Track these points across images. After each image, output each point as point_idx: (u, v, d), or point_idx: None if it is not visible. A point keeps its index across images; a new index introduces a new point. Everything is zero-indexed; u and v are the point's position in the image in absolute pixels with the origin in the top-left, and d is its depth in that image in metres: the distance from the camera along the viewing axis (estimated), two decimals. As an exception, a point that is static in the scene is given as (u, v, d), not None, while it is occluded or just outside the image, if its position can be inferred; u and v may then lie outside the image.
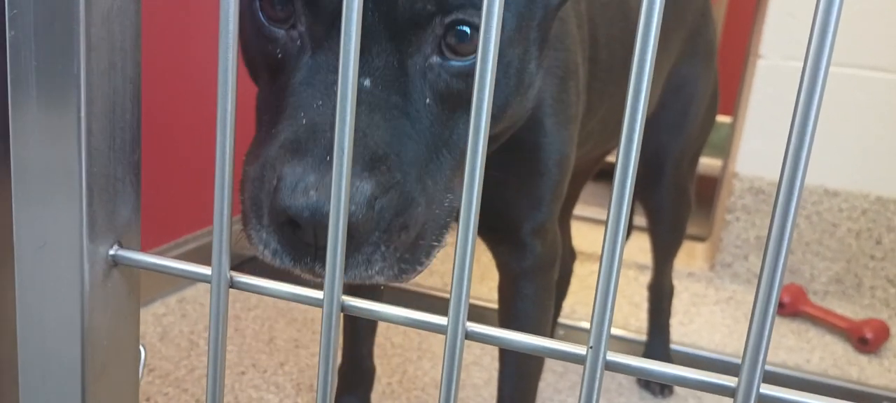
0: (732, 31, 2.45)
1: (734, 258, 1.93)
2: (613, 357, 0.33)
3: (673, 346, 1.50)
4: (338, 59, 0.49)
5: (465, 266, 0.34)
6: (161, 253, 1.68)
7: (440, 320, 0.35)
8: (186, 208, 1.61)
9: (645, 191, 1.29)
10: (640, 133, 0.30)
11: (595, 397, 0.33)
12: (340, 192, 0.33)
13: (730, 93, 1.97)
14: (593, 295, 0.32)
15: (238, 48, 0.35)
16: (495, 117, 0.59)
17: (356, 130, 0.37)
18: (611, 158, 1.25)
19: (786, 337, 1.68)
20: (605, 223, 0.32)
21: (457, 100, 0.54)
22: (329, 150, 0.46)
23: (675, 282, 1.51)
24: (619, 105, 0.30)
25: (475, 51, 0.52)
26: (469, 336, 0.34)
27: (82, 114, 0.36)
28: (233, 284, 0.38)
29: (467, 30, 0.52)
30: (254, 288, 0.38)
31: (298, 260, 0.48)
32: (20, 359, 0.41)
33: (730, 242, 1.93)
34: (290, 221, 0.46)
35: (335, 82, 0.49)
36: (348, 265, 0.48)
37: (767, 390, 0.32)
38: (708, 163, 2.21)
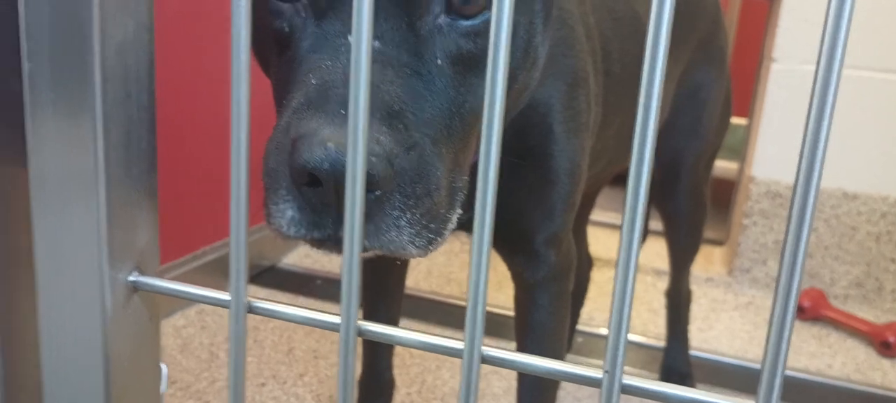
0: (746, 35, 2.43)
1: (752, 263, 1.92)
2: (629, 380, 0.33)
3: (692, 352, 1.49)
4: (344, 25, 0.50)
5: (480, 288, 0.34)
6: (177, 267, 1.69)
7: (457, 344, 0.35)
8: (201, 221, 1.62)
9: (661, 197, 1.29)
10: (652, 143, 0.30)
11: (612, 419, 0.33)
12: (357, 164, 0.34)
13: (745, 97, 1.96)
14: (609, 302, 0.32)
15: (250, 55, 0.35)
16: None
17: (370, 85, 0.35)
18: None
19: (807, 343, 1.66)
20: (619, 240, 0.32)
21: (468, 62, 0.54)
22: (343, 104, 0.45)
23: (694, 288, 1.50)
24: (635, 118, 0.30)
25: (482, 10, 0.52)
26: (485, 359, 0.34)
27: (99, 143, 0.36)
28: (251, 309, 0.38)
29: None
30: (271, 313, 0.39)
31: (318, 227, 0.46)
32: (44, 384, 0.42)
33: (748, 247, 1.92)
34: (310, 181, 0.43)
35: (343, 46, 0.49)
36: (376, 231, 0.46)
37: (786, 412, 0.31)
38: (724, 166, 2.20)
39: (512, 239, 0.82)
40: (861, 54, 1.68)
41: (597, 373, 0.33)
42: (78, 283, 0.39)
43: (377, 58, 0.49)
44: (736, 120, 1.51)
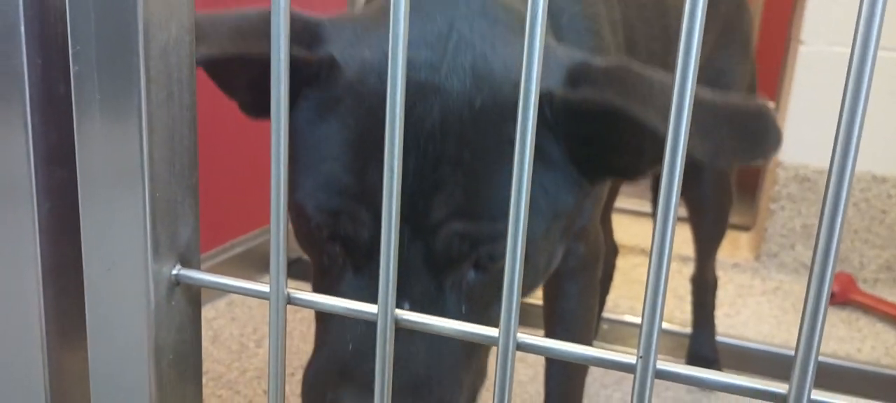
0: (772, 18, 2.41)
1: (780, 247, 1.91)
2: (663, 365, 0.33)
3: (719, 338, 1.49)
4: (377, 284, 0.53)
5: (514, 279, 0.35)
6: (209, 259, 1.72)
7: (491, 332, 0.36)
8: (229, 215, 1.64)
9: (685, 184, 1.28)
10: (686, 126, 0.31)
11: (646, 404, 0.34)
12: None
13: (771, 81, 1.94)
14: (635, 289, 0.32)
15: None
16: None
17: (397, 359, 0.40)
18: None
19: (836, 327, 1.65)
20: (650, 208, 0.32)
21: (491, 297, 0.57)
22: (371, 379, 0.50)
23: (720, 273, 1.50)
24: None
25: None
26: (520, 347, 0.35)
27: (144, 141, 0.38)
28: (290, 301, 0.39)
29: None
30: (310, 303, 0.40)
31: None
32: (91, 377, 0.43)
33: (775, 232, 1.90)
34: None
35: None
36: None
37: (819, 396, 0.32)
38: (750, 151, 2.18)
39: None
40: (891, 35, 1.66)
41: (631, 359, 0.34)
42: (124, 278, 0.41)
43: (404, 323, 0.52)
44: (762, 104, 1.49)
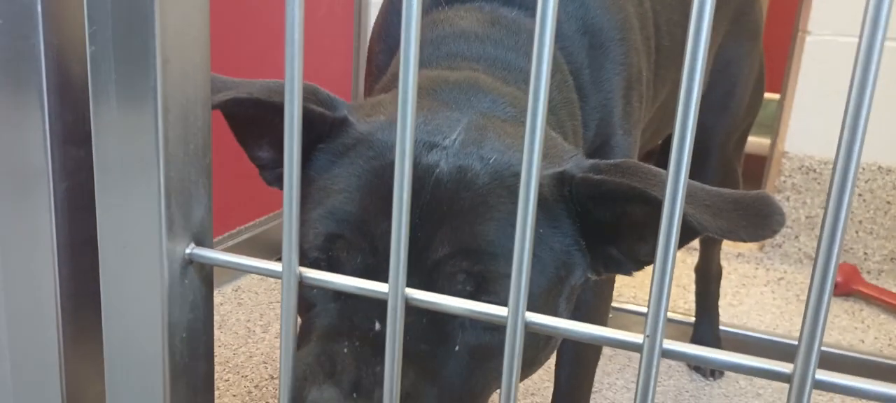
0: (779, 8, 2.40)
1: (784, 238, 1.91)
2: (670, 345, 0.34)
3: (722, 328, 1.50)
4: (367, 306, 0.54)
5: (524, 259, 0.35)
6: (219, 244, 1.72)
7: (501, 311, 0.36)
8: (239, 201, 1.65)
9: (692, 172, 1.29)
10: (695, 112, 0.31)
11: (652, 383, 0.34)
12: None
13: (777, 71, 1.94)
14: (638, 278, 0.33)
15: (302, 59, 0.36)
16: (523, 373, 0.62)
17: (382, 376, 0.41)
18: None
19: (839, 318, 1.66)
20: (660, 213, 0.33)
21: (486, 352, 0.57)
22: (354, 387, 0.51)
23: (724, 263, 1.50)
24: (678, 88, 0.31)
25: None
26: (529, 326, 0.36)
27: (159, 122, 0.38)
28: (302, 280, 0.40)
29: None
30: (322, 282, 0.40)
31: None
32: (105, 353, 0.44)
33: (779, 222, 1.90)
34: None
35: (359, 327, 0.53)
36: None
37: (823, 375, 0.33)
38: (756, 141, 2.18)
39: None
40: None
41: (638, 338, 0.34)
42: (138, 256, 0.41)
43: (414, 302, 0.53)
44: (768, 95, 1.50)
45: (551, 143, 0.61)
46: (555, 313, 0.60)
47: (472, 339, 0.56)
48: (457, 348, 0.56)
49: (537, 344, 0.60)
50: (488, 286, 0.54)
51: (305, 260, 0.57)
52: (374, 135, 0.59)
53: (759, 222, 0.49)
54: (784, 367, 0.33)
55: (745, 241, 0.51)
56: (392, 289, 0.38)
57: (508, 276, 0.54)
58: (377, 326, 0.53)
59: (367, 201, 0.56)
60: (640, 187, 0.52)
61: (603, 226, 0.58)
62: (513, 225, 0.55)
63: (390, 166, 0.56)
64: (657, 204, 0.50)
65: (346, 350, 0.52)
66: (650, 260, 0.59)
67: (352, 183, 0.57)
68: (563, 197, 0.57)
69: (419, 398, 0.53)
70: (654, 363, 0.34)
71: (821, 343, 0.32)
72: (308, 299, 0.58)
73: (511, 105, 0.65)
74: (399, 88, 0.34)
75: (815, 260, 0.31)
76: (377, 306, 0.53)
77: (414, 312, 0.54)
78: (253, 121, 0.63)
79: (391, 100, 0.65)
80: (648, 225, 0.56)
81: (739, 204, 0.51)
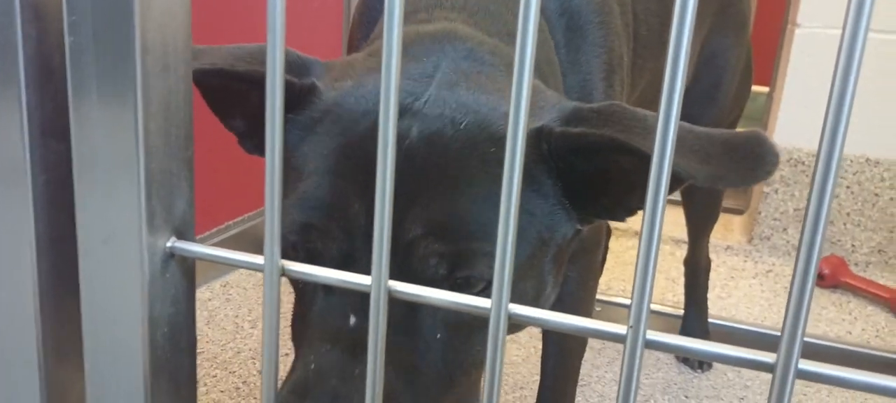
0: (768, 4, 2.41)
1: (773, 230, 1.92)
2: (653, 335, 0.34)
3: (711, 320, 1.50)
4: (347, 301, 0.53)
5: (507, 249, 0.35)
6: (203, 240, 1.73)
7: (484, 302, 0.36)
8: (226, 196, 1.64)
9: None
10: (678, 109, 0.31)
11: (635, 374, 0.34)
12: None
13: (767, 64, 1.94)
14: (627, 271, 0.33)
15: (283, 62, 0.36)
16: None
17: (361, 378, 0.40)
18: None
19: (826, 309, 1.66)
20: (643, 201, 0.33)
21: (468, 328, 0.56)
22: (334, 398, 0.51)
23: (713, 256, 1.51)
24: (657, 78, 0.31)
25: (486, 286, 0.54)
26: (512, 317, 0.36)
27: (140, 113, 0.38)
28: (284, 272, 0.39)
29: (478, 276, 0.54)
30: (304, 275, 0.40)
31: None
32: (86, 348, 0.43)
33: (768, 215, 1.91)
34: None
35: (343, 327, 0.53)
36: None
37: (806, 365, 0.32)
38: (744, 134, 2.18)
39: None
40: (887, 18, 1.66)
41: (621, 329, 0.34)
42: (118, 250, 0.41)
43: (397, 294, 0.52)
44: (757, 88, 1.50)
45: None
46: (540, 277, 0.59)
47: (452, 319, 0.55)
48: (438, 335, 0.55)
49: (523, 297, 0.58)
50: (463, 265, 0.52)
51: (286, 246, 0.56)
52: (341, 104, 0.57)
53: (752, 164, 0.46)
54: (767, 357, 0.33)
55: (737, 186, 0.48)
56: (375, 283, 0.37)
57: (485, 254, 0.54)
58: (353, 321, 0.53)
59: (338, 183, 0.54)
60: (622, 139, 0.50)
61: (588, 178, 0.56)
62: (488, 199, 0.54)
63: (359, 139, 0.55)
64: (642, 156, 0.48)
65: (324, 357, 0.52)
66: (642, 206, 0.57)
67: (321, 165, 0.55)
68: (542, 156, 0.55)
69: (398, 395, 0.53)
70: (638, 354, 0.34)
71: (804, 332, 0.32)
72: (296, 287, 0.58)
73: (490, 53, 0.62)
74: (382, 80, 0.34)
75: (799, 246, 0.31)
76: (357, 298, 0.52)
77: (397, 308, 0.53)
78: (221, 90, 0.61)
79: (363, 59, 0.62)
80: (637, 173, 0.53)
81: (729, 145, 0.48)
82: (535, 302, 0.60)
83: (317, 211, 0.54)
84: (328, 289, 0.55)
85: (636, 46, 0.87)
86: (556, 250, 0.59)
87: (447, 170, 0.53)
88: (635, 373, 0.34)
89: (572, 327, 0.36)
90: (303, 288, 0.58)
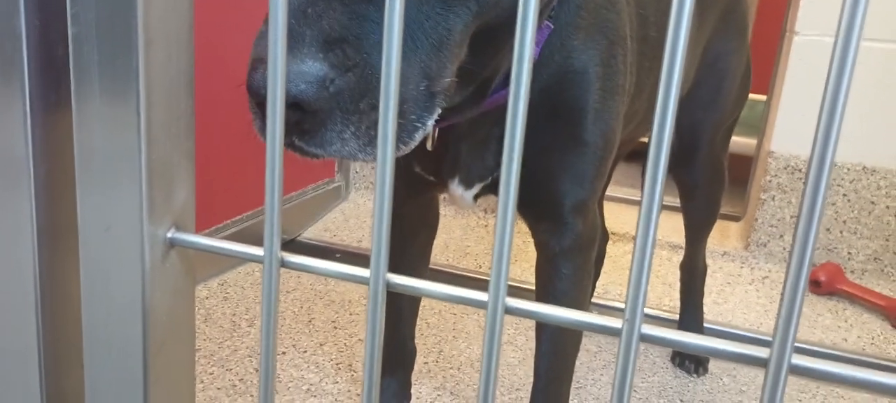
0: (767, 8, 2.41)
1: (769, 237, 1.92)
2: (648, 329, 0.34)
3: (706, 325, 1.51)
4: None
5: (505, 241, 0.35)
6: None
7: (481, 295, 0.37)
8: (227, 194, 1.65)
9: (679, 168, 1.30)
10: (674, 102, 0.32)
11: (631, 368, 0.35)
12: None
13: (765, 72, 1.95)
14: (624, 276, 0.33)
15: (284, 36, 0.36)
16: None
17: (311, 15, 0.42)
18: (643, 139, 1.26)
19: (822, 316, 1.67)
20: (640, 196, 0.33)
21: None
22: (292, 33, 0.50)
23: (710, 262, 1.51)
24: None
25: None
26: (509, 310, 0.36)
27: (142, 104, 0.38)
28: (283, 264, 0.40)
29: None
30: (303, 267, 0.40)
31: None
32: (85, 337, 0.44)
33: (765, 221, 1.92)
34: (260, 100, 0.51)
35: None
36: (323, 142, 0.52)
37: (799, 360, 0.33)
38: (742, 142, 2.19)
39: (539, 204, 0.82)
40: (882, 27, 1.67)
41: (616, 323, 0.34)
42: (119, 240, 0.41)
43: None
44: (755, 96, 1.51)
45: None
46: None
47: None
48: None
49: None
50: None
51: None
52: None
53: None
54: (761, 352, 0.33)
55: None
56: (373, 277, 0.38)
57: None
58: None
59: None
60: None
61: None
62: None
63: None
64: None
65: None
66: None
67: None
68: None
69: (347, 39, 0.52)
70: (633, 347, 0.34)
71: (797, 327, 0.32)
72: None
73: None
74: None
75: (792, 244, 0.31)
76: None
77: None
78: None
79: None
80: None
81: None
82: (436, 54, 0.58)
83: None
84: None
85: (644, 48, 0.88)
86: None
87: None
88: (630, 367, 0.34)
89: (568, 320, 0.36)
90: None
